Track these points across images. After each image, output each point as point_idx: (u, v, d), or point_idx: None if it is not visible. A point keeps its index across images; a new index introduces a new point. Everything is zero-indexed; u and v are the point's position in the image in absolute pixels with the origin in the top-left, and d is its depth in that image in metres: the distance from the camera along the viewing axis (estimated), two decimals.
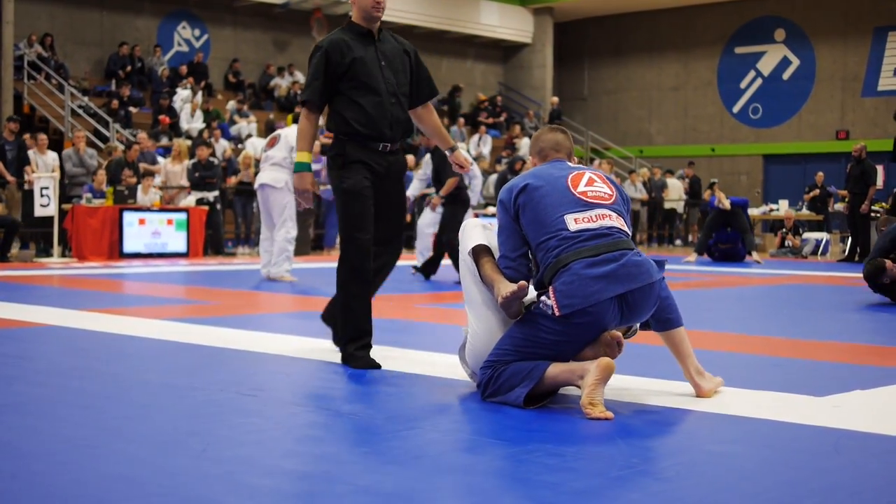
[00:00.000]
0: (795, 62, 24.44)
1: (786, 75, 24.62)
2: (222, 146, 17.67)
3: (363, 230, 4.58)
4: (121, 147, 15.45)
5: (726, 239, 15.06)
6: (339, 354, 4.74)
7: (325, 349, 5.02)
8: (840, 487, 2.68)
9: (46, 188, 13.17)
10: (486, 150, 22.52)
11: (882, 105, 22.95)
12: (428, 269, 10.46)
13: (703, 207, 18.43)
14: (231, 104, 20.52)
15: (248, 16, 22.86)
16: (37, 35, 19.29)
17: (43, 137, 14.56)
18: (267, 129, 17.98)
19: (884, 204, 15.80)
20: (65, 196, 14.12)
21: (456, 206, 10.01)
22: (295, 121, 10.72)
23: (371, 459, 2.91)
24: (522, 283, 3.66)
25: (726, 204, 14.77)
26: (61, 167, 14.28)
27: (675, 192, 22.17)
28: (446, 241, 9.81)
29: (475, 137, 22.70)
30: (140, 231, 13.85)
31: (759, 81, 25.02)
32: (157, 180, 15.05)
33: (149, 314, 6.87)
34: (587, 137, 26.29)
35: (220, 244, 15.23)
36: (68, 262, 12.78)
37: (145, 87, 20.47)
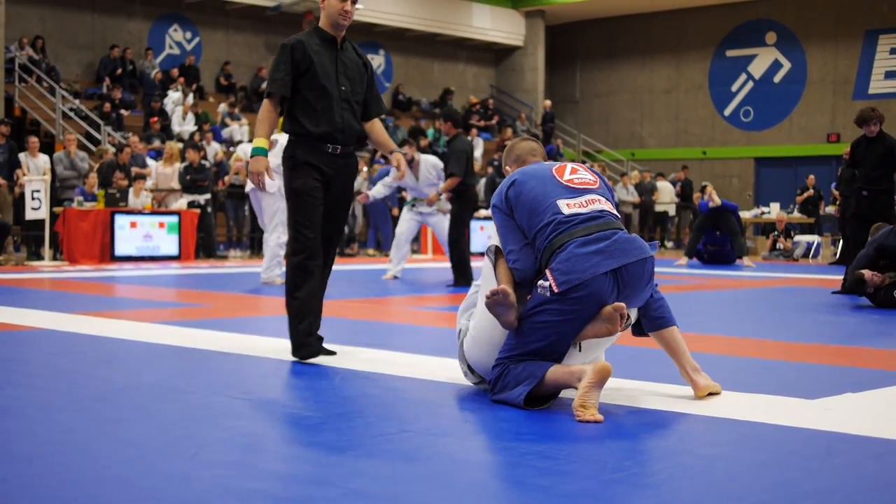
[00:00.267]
0: (787, 65, 24.50)
1: (777, 78, 24.67)
2: (214, 149, 17.64)
3: (310, 229, 4.77)
4: (112, 150, 15.42)
5: (715, 241, 15.08)
6: (327, 357, 4.83)
7: None
8: (833, 490, 2.68)
9: (38, 191, 13.15)
10: (477, 152, 22.52)
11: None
12: (459, 277, 9.91)
13: (696, 210, 18.45)
14: (222, 107, 20.48)
15: (239, 18, 22.84)
16: (28, 38, 19.24)
17: (34, 140, 14.53)
18: None
19: None
20: (56, 199, 14.09)
21: (462, 204, 10.01)
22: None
23: (362, 462, 2.91)
24: (505, 287, 3.68)
25: (717, 200, 14.75)
26: (52, 170, 14.25)
27: (666, 195, 22.20)
28: (453, 240, 9.83)
29: None
30: (131, 234, 13.83)
31: (750, 84, 25.08)
32: (149, 183, 15.03)
33: (140, 317, 6.86)
34: (579, 140, 26.33)
35: (212, 247, 15.21)
36: (59, 266, 12.75)
37: (137, 89, 20.43)
